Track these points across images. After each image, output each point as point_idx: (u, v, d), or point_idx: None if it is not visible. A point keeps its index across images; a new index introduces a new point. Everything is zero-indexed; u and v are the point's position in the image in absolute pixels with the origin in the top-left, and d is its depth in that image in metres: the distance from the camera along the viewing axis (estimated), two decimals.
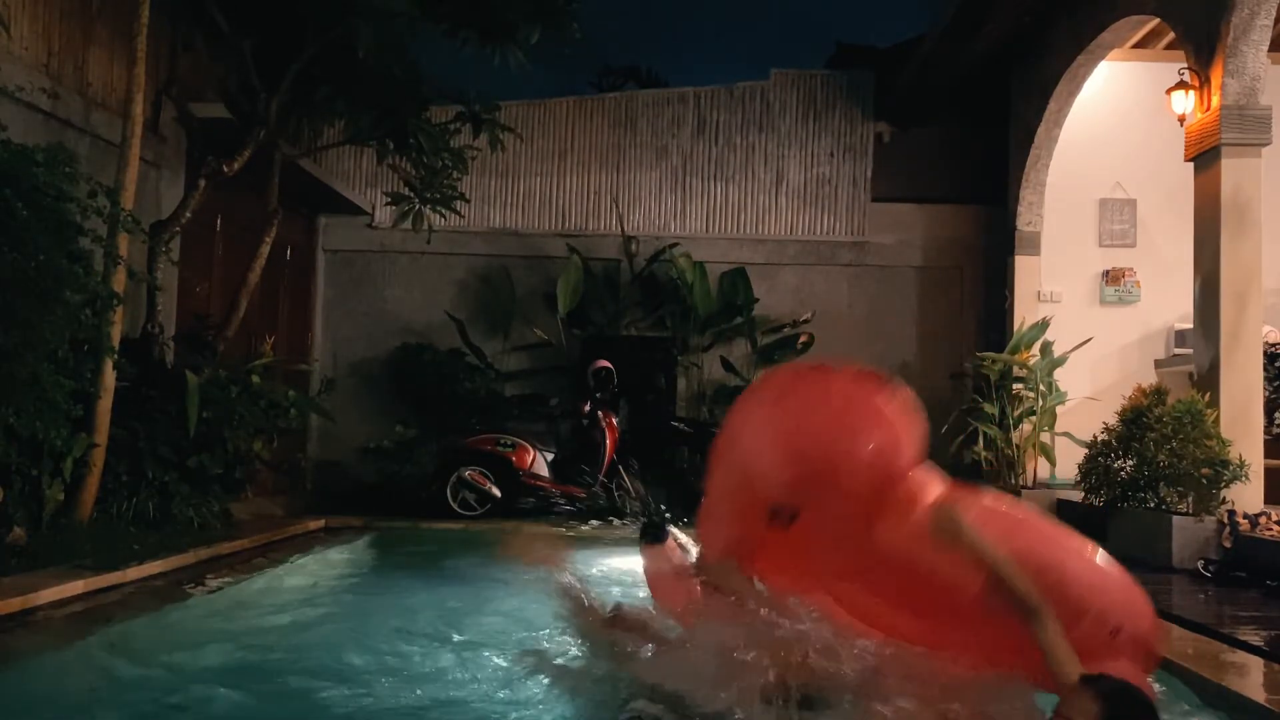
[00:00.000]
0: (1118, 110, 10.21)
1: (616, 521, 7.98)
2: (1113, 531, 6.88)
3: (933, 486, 2.94)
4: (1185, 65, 7.16)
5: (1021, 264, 10.15)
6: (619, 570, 5.33)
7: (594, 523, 8.21)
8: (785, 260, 10.87)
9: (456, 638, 4.26)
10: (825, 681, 2.84)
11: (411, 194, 8.36)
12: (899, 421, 2.92)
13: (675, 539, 3.67)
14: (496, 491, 8.85)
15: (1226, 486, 6.31)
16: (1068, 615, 2.69)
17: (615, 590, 4.35)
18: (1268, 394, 7.32)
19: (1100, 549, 2.96)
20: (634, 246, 10.56)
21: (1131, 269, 10.29)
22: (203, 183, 7.17)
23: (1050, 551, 2.83)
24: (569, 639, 4.48)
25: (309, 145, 8.99)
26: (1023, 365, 9.22)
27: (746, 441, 3.07)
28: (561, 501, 8.99)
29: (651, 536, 3.57)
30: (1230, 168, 6.74)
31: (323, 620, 4.91)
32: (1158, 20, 8.14)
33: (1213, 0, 6.78)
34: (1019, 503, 3.54)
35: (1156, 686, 3.57)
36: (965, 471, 10.01)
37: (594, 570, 5.90)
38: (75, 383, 5.38)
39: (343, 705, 3.33)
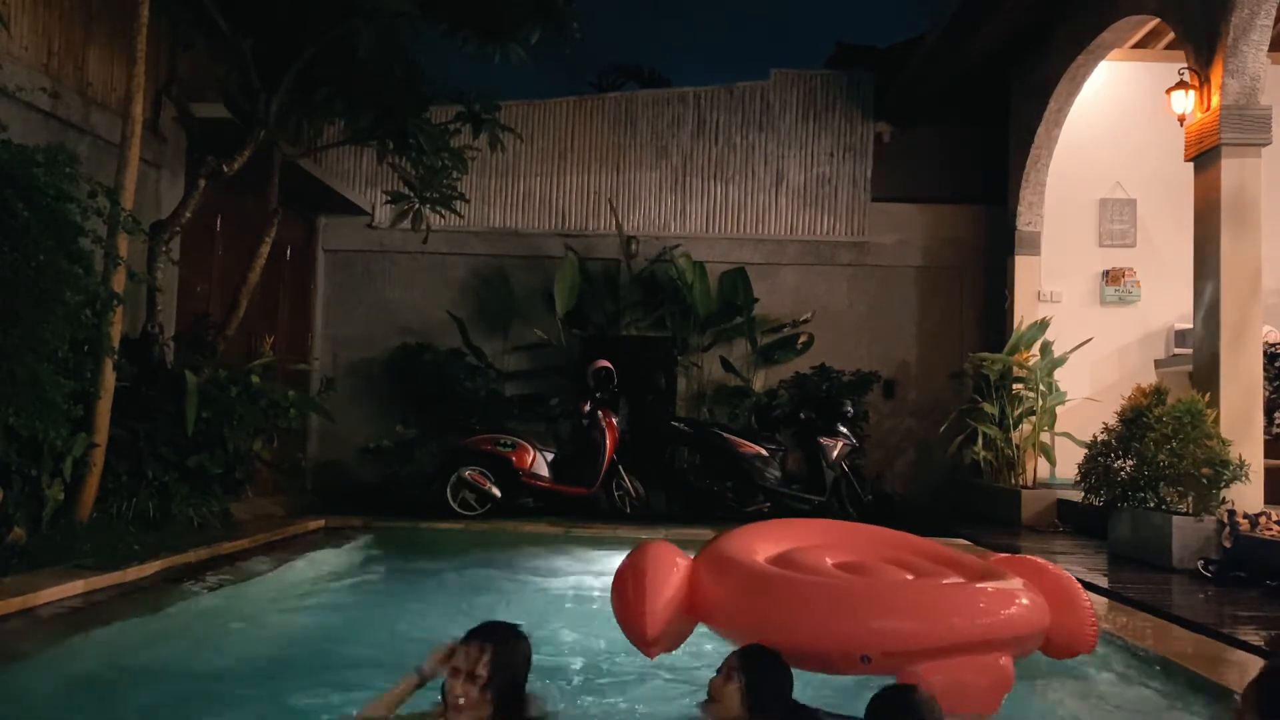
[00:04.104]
0: (1118, 110, 10.23)
1: None
2: (1113, 532, 6.89)
3: None
4: (1185, 65, 7.16)
5: (1021, 264, 10.16)
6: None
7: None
8: (785, 260, 10.87)
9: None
10: None
11: (411, 193, 8.36)
12: None
13: None
14: (496, 491, 8.84)
15: (1226, 486, 6.31)
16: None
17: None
18: (1268, 394, 7.32)
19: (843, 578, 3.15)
20: (634, 246, 10.57)
21: (1131, 269, 10.31)
22: (203, 183, 7.16)
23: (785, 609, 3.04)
24: (568, 635, 4.48)
25: (309, 145, 8.98)
26: (1022, 365, 9.22)
27: None
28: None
29: None
30: (1230, 168, 6.75)
31: (322, 620, 4.92)
32: (1158, 20, 8.15)
33: (1213, 0, 6.78)
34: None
35: (1155, 682, 3.57)
36: (965, 471, 10.03)
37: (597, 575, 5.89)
38: (75, 383, 5.38)
39: (342, 705, 3.32)
